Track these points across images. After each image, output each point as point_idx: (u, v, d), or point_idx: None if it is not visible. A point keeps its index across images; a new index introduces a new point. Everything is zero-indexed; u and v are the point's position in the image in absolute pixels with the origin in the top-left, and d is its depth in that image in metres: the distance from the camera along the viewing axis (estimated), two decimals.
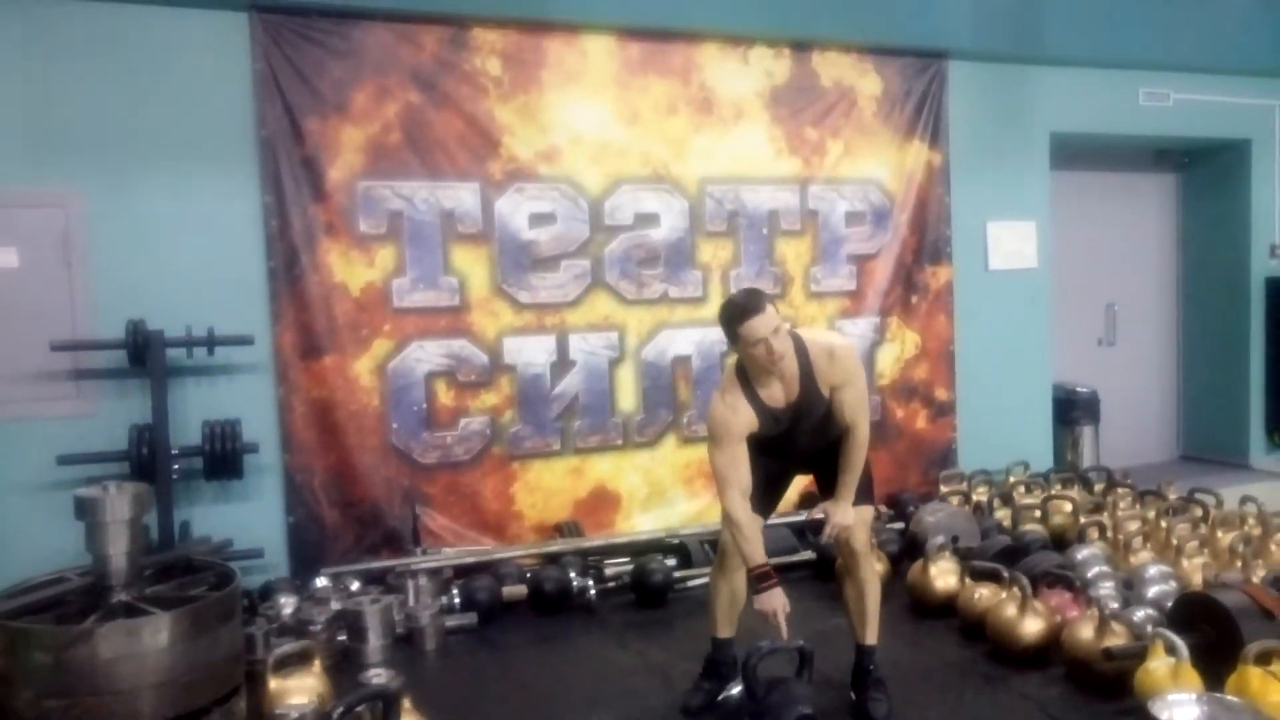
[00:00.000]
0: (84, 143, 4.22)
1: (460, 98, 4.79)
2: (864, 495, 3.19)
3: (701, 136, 5.27)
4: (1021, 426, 6.13)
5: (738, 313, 2.87)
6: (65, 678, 2.49)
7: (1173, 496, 5.05)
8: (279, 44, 4.47)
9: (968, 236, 5.94)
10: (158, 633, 2.59)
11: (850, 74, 5.57)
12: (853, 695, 3.26)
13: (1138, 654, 3.16)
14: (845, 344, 3.14)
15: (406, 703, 2.84)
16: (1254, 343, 6.88)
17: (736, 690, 3.11)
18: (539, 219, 4.97)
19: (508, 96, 4.88)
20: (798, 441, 3.11)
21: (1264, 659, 2.98)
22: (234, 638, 2.88)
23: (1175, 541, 4.30)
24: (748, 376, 2.99)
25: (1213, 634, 3.24)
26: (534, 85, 4.92)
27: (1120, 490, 5.29)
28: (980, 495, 5.38)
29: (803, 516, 4.87)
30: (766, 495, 3.19)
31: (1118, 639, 3.27)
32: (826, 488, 3.22)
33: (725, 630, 3.33)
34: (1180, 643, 3.08)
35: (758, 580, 3.00)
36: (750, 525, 3.00)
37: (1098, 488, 5.47)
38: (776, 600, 2.97)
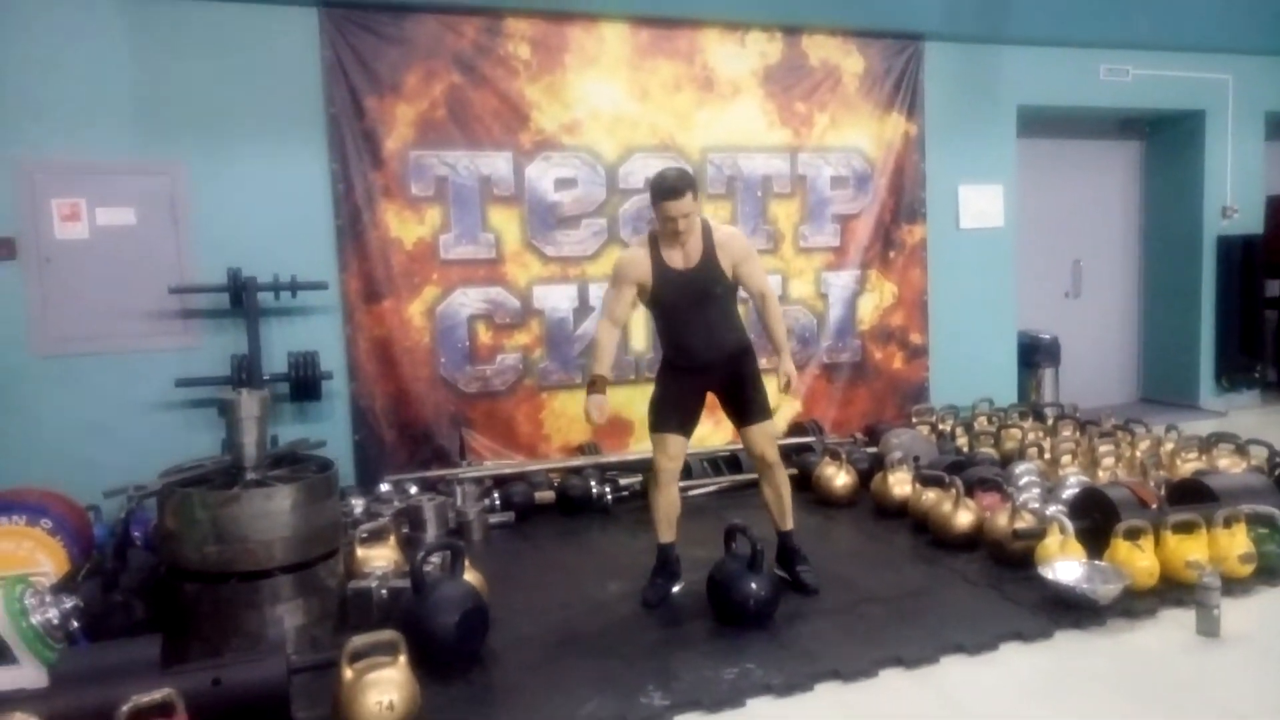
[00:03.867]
0: (185, 120, 5.05)
1: (495, 78, 5.58)
2: (764, 413, 3.83)
3: (703, 111, 6.05)
4: (988, 368, 6.94)
5: (660, 189, 3.52)
6: (220, 530, 3.37)
7: (1108, 425, 5.86)
8: (343, 34, 5.27)
9: (941, 198, 6.71)
10: (284, 499, 3.46)
11: (836, 54, 6.32)
12: (781, 572, 3.90)
13: (1038, 534, 4.00)
14: (741, 233, 3.87)
15: (466, 561, 3.71)
16: (1205, 296, 7.64)
17: (679, 588, 3.94)
18: (563, 183, 5.78)
19: (536, 77, 5.67)
20: (695, 330, 3.71)
21: (1132, 535, 3.81)
22: (334, 510, 3.76)
23: (1096, 458, 5.12)
24: (656, 241, 3.68)
25: (1100, 519, 4.05)
26: (558, 67, 5.71)
27: (1066, 421, 6.10)
28: (945, 425, 6.21)
29: (792, 440, 5.72)
30: (684, 412, 3.83)
31: (1025, 524, 4.11)
32: (736, 413, 3.86)
33: (667, 536, 3.91)
34: (1069, 523, 3.93)
35: (590, 386, 3.68)
36: (607, 348, 3.72)
37: (1050, 420, 6.28)
38: (594, 402, 3.65)
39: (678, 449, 3.82)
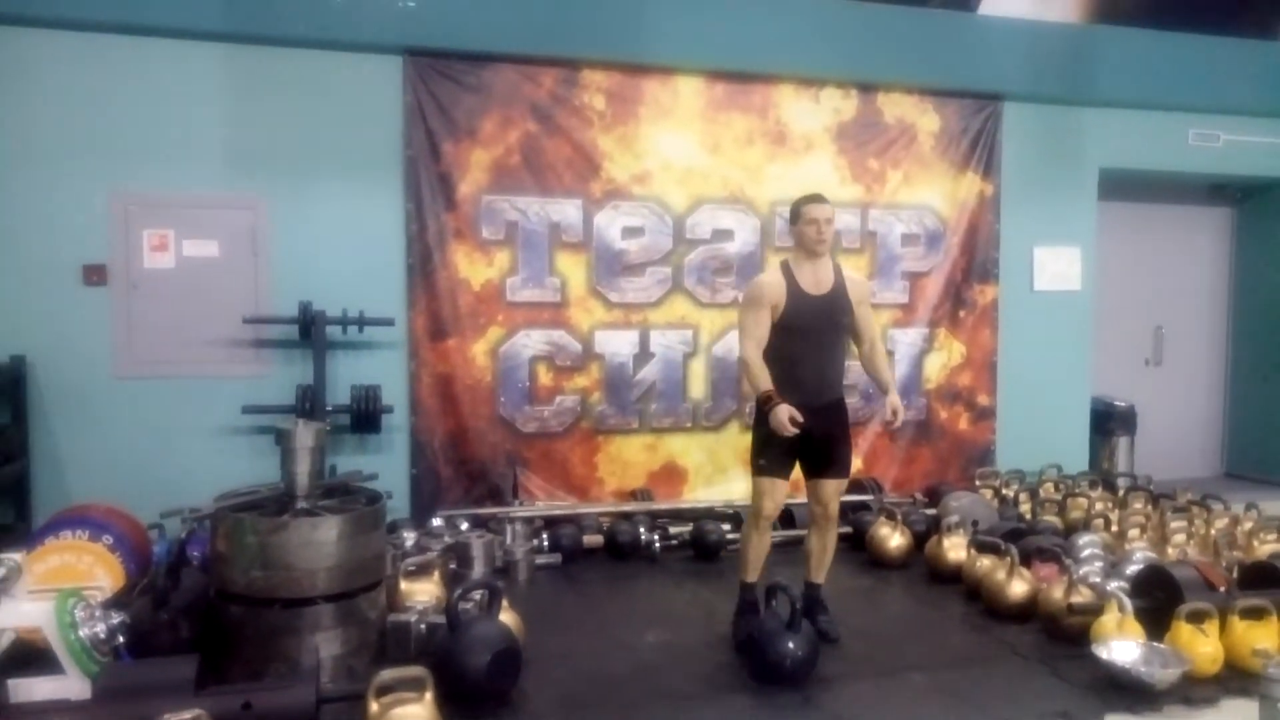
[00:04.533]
0: (270, 158, 5.29)
1: (570, 128, 5.71)
2: (847, 470, 4.00)
3: (774, 164, 6.08)
4: (1058, 434, 6.73)
5: (808, 198, 3.81)
6: (267, 556, 3.46)
7: (1182, 500, 5.61)
8: (425, 81, 5.45)
9: (1015, 259, 6.59)
10: (331, 530, 3.54)
11: (911, 113, 6.29)
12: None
13: (1096, 610, 3.84)
14: None
15: (505, 602, 3.73)
16: None
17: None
18: (630, 231, 5.86)
19: (610, 127, 5.78)
20: (812, 363, 3.79)
21: (1195, 618, 3.63)
22: (380, 542, 3.82)
23: (1166, 534, 4.91)
24: (790, 267, 3.81)
25: (1163, 599, 3.88)
26: (632, 118, 5.81)
27: (1138, 493, 5.86)
28: (1009, 490, 6.04)
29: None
30: (789, 457, 3.87)
31: (1082, 598, 3.95)
32: (820, 462, 3.90)
33: (753, 575, 4.01)
34: (1127, 601, 3.76)
35: (765, 401, 3.69)
36: (759, 366, 3.73)
37: (1120, 492, 6.05)
38: (783, 413, 3.62)
39: (782, 494, 3.92)
